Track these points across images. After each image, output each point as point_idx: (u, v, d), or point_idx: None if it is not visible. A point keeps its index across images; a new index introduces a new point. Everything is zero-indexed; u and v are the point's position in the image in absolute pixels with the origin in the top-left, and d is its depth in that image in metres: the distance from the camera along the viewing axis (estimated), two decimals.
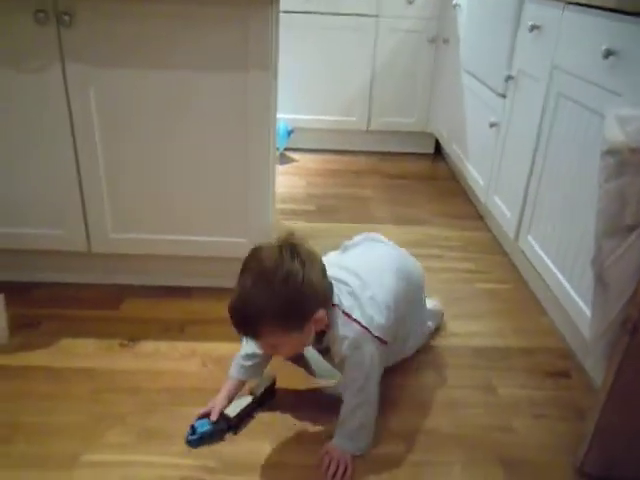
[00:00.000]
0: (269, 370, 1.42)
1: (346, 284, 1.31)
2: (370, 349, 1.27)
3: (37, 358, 1.53)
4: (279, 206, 2.39)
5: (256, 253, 1.18)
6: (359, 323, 1.27)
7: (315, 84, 3.01)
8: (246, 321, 1.17)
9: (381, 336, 1.29)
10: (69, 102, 1.54)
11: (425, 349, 1.64)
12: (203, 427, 1.30)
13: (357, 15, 2.87)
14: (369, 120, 3.11)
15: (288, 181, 2.76)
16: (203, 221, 1.71)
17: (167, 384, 1.47)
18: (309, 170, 2.93)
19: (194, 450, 1.28)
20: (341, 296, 1.28)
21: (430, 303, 1.68)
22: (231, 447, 1.30)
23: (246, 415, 1.35)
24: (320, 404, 1.43)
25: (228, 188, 1.67)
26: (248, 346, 1.36)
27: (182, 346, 1.60)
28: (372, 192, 2.71)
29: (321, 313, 1.21)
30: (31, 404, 1.39)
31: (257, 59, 1.50)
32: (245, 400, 1.37)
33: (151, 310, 1.74)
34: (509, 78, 2.08)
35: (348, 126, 3.13)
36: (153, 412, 1.38)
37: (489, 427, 1.40)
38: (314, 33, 2.91)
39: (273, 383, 1.43)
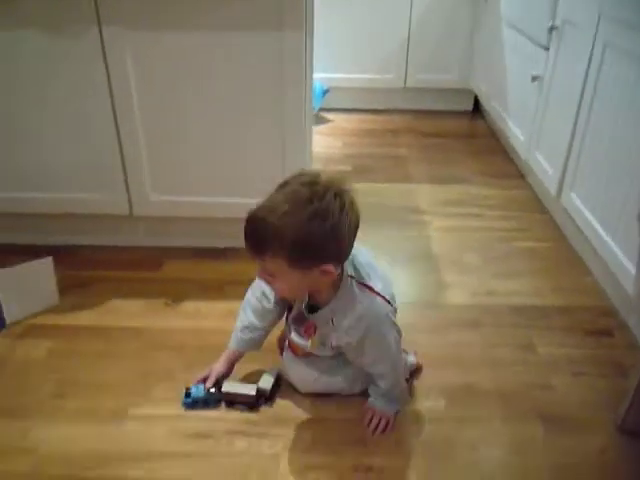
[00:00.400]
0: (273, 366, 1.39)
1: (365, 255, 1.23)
2: (392, 325, 1.21)
3: (86, 318, 1.59)
4: (315, 167, 2.39)
5: (304, 178, 1.07)
6: (383, 297, 1.19)
7: (350, 42, 2.96)
8: (259, 235, 1.06)
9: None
10: (107, 66, 1.55)
11: (465, 308, 1.64)
12: (198, 393, 1.31)
13: None
14: (406, 77, 3.05)
15: (323, 142, 2.74)
16: (240, 183, 1.72)
17: (210, 342, 1.50)
18: (344, 130, 2.91)
19: None
20: (361, 269, 1.19)
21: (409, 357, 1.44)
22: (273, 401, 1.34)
23: (240, 400, 1.31)
24: None
25: (265, 149, 1.67)
26: (245, 317, 1.33)
27: (221, 306, 1.64)
28: (409, 151, 2.68)
29: (331, 267, 1.07)
30: (82, 362, 1.45)
31: (292, 18, 1.48)
32: (248, 387, 1.32)
33: (191, 271, 1.78)
34: (553, 29, 2.00)
35: (384, 84, 3.07)
36: (198, 369, 1.41)
37: (529, 384, 1.40)
38: None
39: (278, 377, 1.37)
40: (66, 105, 1.61)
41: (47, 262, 1.59)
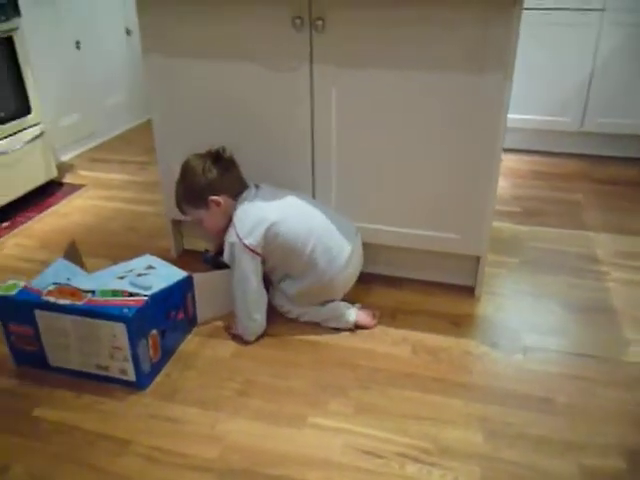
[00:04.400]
0: None
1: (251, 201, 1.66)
2: (242, 256, 1.60)
3: (268, 326, 1.70)
4: None
5: (189, 156, 1.71)
6: (236, 232, 1.61)
7: (527, 82, 2.91)
8: (176, 203, 1.75)
9: (251, 247, 1.59)
10: (312, 98, 1.69)
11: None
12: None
13: (580, 10, 2.73)
14: (583, 121, 2.95)
15: None
16: (422, 215, 1.77)
17: (381, 365, 1.57)
18: (513, 171, 2.87)
19: (409, 430, 1.37)
20: (239, 203, 1.66)
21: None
22: (446, 432, 1.36)
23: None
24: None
25: (450, 186, 1.71)
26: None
27: (393, 332, 1.70)
28: (583, 198, 2.58)
29: (216, 198, 1.65)
30: (263, 366, 1.58)
31: (494, 61, 1.52)
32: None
33: (365, 295, 1.85)
34: None
35: (559, 127, 2.99)
36: (370, 389, 1.49)
37: None
38: (532, 29, 2.81)
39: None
40: (273, 126, 1.78)
41: None
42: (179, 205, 1.74)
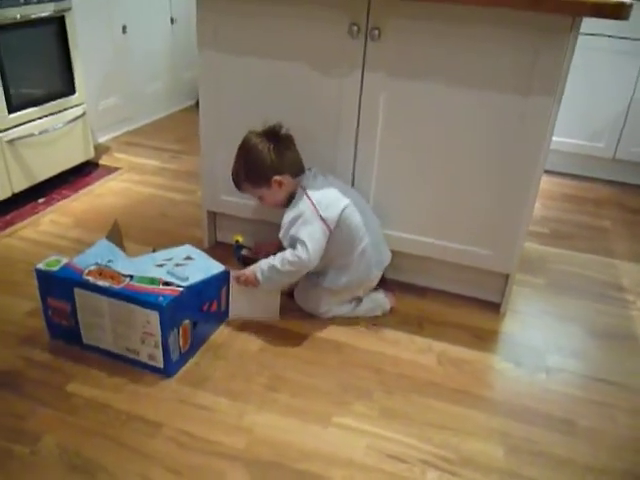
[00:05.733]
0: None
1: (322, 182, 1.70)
2: (315, 227, 1.60)
3: (295, 324, 1.75)
4: None
5: (249, 134, 1.70)
6: (312, 203, 1.62)
7: (565, 105, 2.92)
8: (233, 180, 1.74)
9: (327, 220, 1.61)
10: (360, 104, 1.72)
11: None
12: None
13: (627, 39, 2.74)
14: (617, 148, 2.96)
15: None
16: (457, 229, 1.80)
17: (406, 371, 1.60)
18: (544, 192, 2.88)
19: (432, 438, 1.39)
20: (310, 181, 1.69)
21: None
22: (468, 444, 1.39)
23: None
24: None
25: (488, 202, 1.73)
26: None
27: (419, 340, 1.73)
28: (612, 225, 2.59)
29: (279, 178, 1.66)
30: (290, 363, 1.61)
31: (544, 84, 1.55)
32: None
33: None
34: None
35: (592, 152, 3.00)
36: (393, 394, 1.52)
37: None
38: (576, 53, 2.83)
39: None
40: (318, 128, 1.80)
41: None
42: (237, 182, 1.74)
